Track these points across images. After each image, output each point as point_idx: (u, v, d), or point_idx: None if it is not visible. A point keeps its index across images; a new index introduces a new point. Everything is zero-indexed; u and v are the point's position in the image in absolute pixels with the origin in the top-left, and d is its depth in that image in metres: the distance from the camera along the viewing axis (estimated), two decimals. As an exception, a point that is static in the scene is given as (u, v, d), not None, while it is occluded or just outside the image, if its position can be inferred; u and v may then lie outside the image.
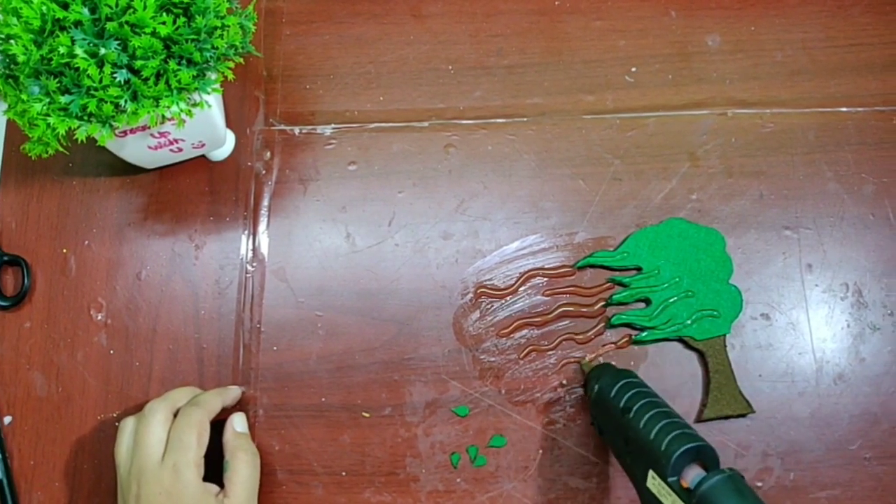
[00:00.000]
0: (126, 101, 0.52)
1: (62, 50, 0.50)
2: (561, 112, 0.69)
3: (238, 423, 0.61)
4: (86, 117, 0.52)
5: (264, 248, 0.67)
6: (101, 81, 0.51)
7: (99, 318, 0.65)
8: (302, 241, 0.67)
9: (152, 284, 0.66)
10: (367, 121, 0.69)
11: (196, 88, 0.55)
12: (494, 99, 0.69)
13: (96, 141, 0.53)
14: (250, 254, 0.66)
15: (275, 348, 0.64)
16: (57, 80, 0.51)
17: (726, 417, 0.61)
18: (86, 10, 0.51)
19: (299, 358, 0.64)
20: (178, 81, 0.53)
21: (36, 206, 0.68)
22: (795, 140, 0.67)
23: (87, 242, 0.67)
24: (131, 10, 0.51)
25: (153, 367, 0.64)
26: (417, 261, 0.66)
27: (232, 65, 0.57)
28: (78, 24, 0.51)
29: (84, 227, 0.67)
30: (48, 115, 0.51)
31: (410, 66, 0.70)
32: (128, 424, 0.58)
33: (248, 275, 0.66)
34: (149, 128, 0.57)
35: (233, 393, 0.62)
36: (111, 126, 0.53)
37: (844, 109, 0.68)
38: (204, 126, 0.61)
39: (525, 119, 0.69)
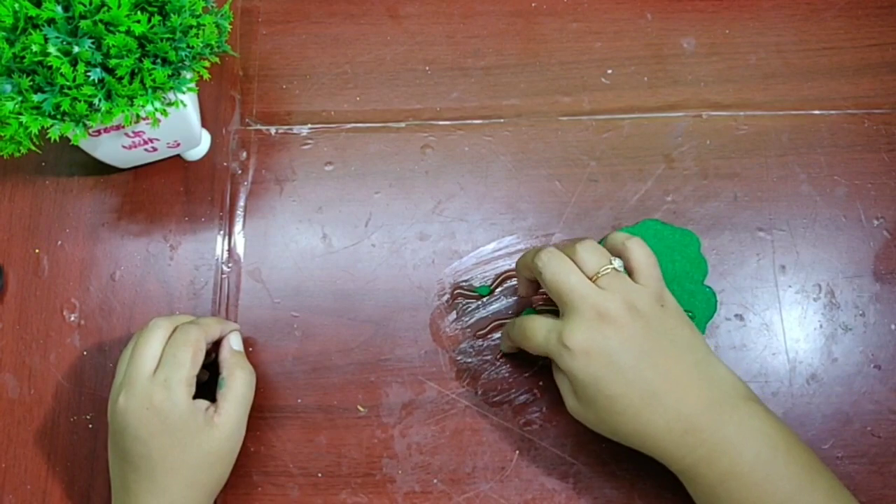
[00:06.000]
0: (100, 100, 0.51)
1: (35, 48, 0.49)
2: (537, 113, 0.69)
3: (235, 341, 0.60)
4: (59, 116, 0.52)
5: (240, 249, 0.66)
6: (74, 80, 0.50)
7: (72, 319, 0.65)
8: (278, 241, 0.66)
9: (126, 285, 0.65)
10: (344, 121, 0.69)
11: (171, 88, 0.55)
12: (471, 100, 0.69)
13: (70, 140, 0.53)
14: (226, 254, 0.66)
15: (250, 349, 0.64)
16: (30, 78, 0.50)
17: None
18: (59, 8, 0.50)
19: (275, 359, 0.64)
20: (153, 80, 0.53)
21: (8, 205, 0.67)
22: (769, 142, 0.68)
23: (60, 242, 0.66)
24: (105, 9, 0.50)
25: (127, 369, 0.64)
26: (394, 262, 0.66)
27: (208, 64, 0.57)
28: (51, 21, 0.50)
29: (57, 226, 0.67)
30: (21, 113, 0.51)
31: (387, 66, 0.70)
32: (132, 339, 0.58)
33: (223, 275, 0.66)
34: (123, 127, 0.57)
35: (231, 326, 0.61)
36: (85, 125, 0.52)
37: (817, 112, 0.68)
38: (179, 126, 0.61)
39: (502, 120, 0.69)
